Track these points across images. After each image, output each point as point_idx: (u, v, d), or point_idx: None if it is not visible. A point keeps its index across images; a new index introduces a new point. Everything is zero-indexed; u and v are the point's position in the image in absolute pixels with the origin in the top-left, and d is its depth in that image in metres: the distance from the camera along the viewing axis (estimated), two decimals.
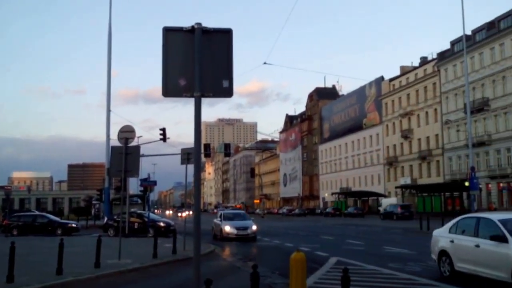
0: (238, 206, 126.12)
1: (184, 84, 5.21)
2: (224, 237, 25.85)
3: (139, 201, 46.24)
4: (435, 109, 74.53)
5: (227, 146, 52.67)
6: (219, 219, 28.07)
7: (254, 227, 26.56)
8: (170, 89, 5.22)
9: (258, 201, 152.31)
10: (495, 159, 61.77)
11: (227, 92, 5.29)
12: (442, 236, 12.96)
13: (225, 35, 5.36)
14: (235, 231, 25.81)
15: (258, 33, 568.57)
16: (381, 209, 72.50)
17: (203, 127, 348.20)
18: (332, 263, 15.51)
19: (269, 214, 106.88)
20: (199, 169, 5.40)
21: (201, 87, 5.14)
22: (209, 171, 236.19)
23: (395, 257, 17.19)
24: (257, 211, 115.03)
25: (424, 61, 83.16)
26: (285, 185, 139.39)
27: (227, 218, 27.78)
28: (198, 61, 5.17)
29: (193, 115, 5.17)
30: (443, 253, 12.64)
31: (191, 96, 5.16)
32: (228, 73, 5.29)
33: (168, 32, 5.27)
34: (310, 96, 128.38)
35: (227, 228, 26.08)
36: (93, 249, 14.62)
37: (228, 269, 15.84)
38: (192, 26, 5.25)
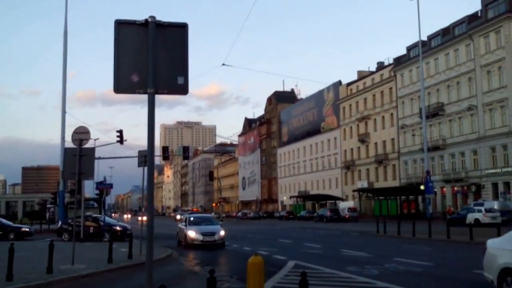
0: (195, 209, 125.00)
1: (137, 80, 4.97)
2: (189, 244, 23.65)
3: (96, 204, 45.25)
4: (392, 114, 75.86)
5: (185, 149, 52.13)
6: (183, 223, 25.77)
7: (222, 233, 24.06)
8: (122, 85, 4.99)
9: (216, 204, 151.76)
10: (450, 163, 63.27)
11: (182, 89, 5.08)
12: (506, 249, 9.36)
13: (181, 29, 5.15)
14: (200, 237, 23.30)
15: (217, 34, 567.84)
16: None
17: (162, 130, 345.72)
18: (290, 267, 15.40)
19: (228, 217, 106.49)
20: (152, 170, 5.14)
21: (155, 83, 4.92)
22: (168, 174, 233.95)
23: (353, 260, 17.21)
24: (213, 214, 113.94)
25: (380, 66, 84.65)
26: (244, 188, 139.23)
27: (193, 222, 25.15)
28: (152, 56, 4.95)
29: (147, 112, 4.93)
30: (507, 272, 9.03)
31: (144, 92, 4.93)
32: (183, 69, 5.08)
33: (120, 26, 5.02)
34: (269, 100, 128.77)
35: (192, 234, 23.58)
36: (46, 254, 14.10)
37: (185, 274, 15.52)
38: (146, 20, 5.02)
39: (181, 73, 5.07)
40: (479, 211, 41.22)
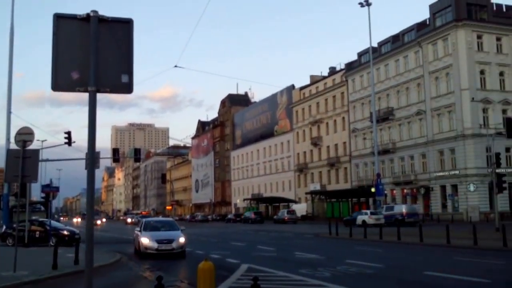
0: (145, 212, 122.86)
1: (77, 78, 4.68)
2: (142, 252, 20.53)
3: (42, 208, 43.72)
4: (343, 118, 76.89)
5: (137, 151, 51.25)
6: (138, 228, 22.41)
7: (182, 240, 20.44)
8: (61, 83, 4.68)
9: (169, 207, 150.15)
10: (399, 166, 64.62)
11: (126, 88, 4.81)
12: None
13: (125, 25, 4.88)
14: (155, 245, 19.91)
15: (170, 35, 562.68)
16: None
17: (113, 132, 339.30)
18: (243, 270, 15.18)
19: (182, 220, 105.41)
20: (92, 172, 4.84)
21: (96, 81, 4.63)
22: (119, 176, 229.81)
23: (306, 263, 17.13)
24: (160, 217, 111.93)
25: (332, 71, 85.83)
26: (197, 191, 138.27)
27: (149, 227, 21.78)
28: (94, 52, 4.66)
29: (88, 111, 4.65)
30: None
31: (85, 90, 4.64)
32: (128, 67, 4.82)
33: (60, 20, 4.72)
34: (223, 103, 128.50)
35: (145, 241, 20.22)
36: None
37: (133, 280, 15.07)
38: (88, 14, 4.73)
39: (125, 71, 4.81)
40: (366, 214, 48.14)
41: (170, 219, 27.22)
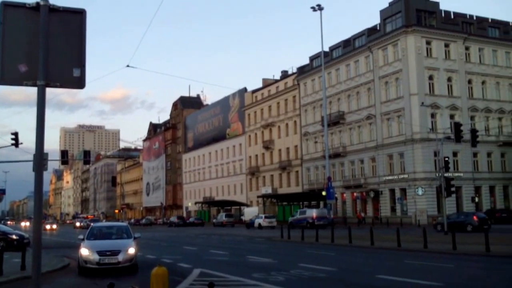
0: (90, 216, 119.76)
1: (25, 71, 4.37)
2: (81, 267, 16.36)
3: None
4: (295, 121, 77.42)
5: (86, 153, 49.86)
6: (82, 236, 17.87)
7: (132, 251, 16.25)
8: (8, 76, 4.36)
9: (119, 211, 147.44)
10: (350, 169, 65.50)
11: (78, 83, 4.53)
12: None
13: (78, 16, 4.60)
14: (96, 258, 15.82)
15: (123, 34, 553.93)
16: (243, 218, 74.48)
17: (62, 134, 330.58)
18: (196, 275, 14.97)
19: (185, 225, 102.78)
20: (41, 173, 4.53)
21: (46, 75, 4.34)
22: (68, 179, 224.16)
23: (259, 267, 17.00)
24: (110, 222, 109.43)
25: (285, 74, 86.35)
26: (148, 194, 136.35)
27: (94, 234, 17.67)
28: (43, 44, 4.36)
29: (36, 107, 4.34)
30: None
31: (34, 84, 4.33)
32: (80, 60, 4.54)
33: (8, 8, 4.40)
34: (175, 105, 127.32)
35: (85, 253, 16.17)
36: None
37: (83, 286, 14.56)
38: (37, 3, 4.42)
39: (77, 64, 4.53)
40: (261, 217, 58.64)
41: (123, 223, 22.26)
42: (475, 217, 37.27)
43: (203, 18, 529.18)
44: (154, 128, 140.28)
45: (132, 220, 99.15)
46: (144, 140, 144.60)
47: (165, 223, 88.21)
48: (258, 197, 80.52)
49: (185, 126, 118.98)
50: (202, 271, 15.78)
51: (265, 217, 58.25)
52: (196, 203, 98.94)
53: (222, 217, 71.40)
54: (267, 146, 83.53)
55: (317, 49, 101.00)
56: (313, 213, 52.28)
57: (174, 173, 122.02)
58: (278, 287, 12.40)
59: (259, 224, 56.67)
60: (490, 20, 64.99)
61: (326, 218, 50.39)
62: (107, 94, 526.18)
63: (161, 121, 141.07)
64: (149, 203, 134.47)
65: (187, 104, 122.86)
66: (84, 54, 4.59)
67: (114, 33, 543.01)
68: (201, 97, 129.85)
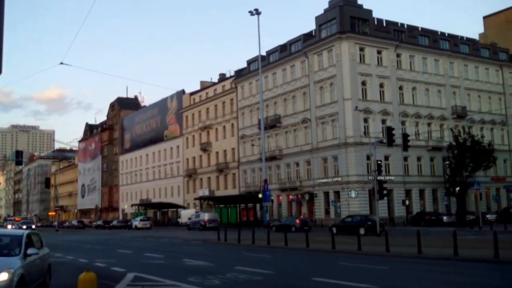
0: (18, 219, 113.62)
1: None
2: None
3: None
4: (232, 124, 76.56)
5: (19, 154, 46.70)
6: None
7: (4, 276, 9.06)
8: None
9: (53, 213, 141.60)
10: (286, 172, 65.11)
11: None
12: None
13: None
14: None
15: (58, 30, 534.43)
16: (180, 220, 73.14)
17: None
18: (129, 280, 14.17)
19: (67, 227, 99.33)
20: None
21: None
22: (0, 181, 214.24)
23: (195, 270, 16.39)
24: (54, 223, 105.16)
25: (222, 77, 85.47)
26: (83, 196, 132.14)
27: None
28: None
29: None
30: None
31: None
32: None
33: None
34: (112, 106, 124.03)
35: None
36: None
37: None
38: None
39: None
40: (136, 220, 70.37)
41: (18, 231, 14.52)
42: (297, 221, 46.73)
43: (141, 18, 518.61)
44: (90, 129, 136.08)
45: (56, 223, 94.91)
46: (80, 141, 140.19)
47: (99, 226, 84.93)
48: (195, 199, 79.23)
49: (122, 127, 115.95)
50: (136, 275, 15.05)
51: (141, 220, 70.61)
52: (132, 205, 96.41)
53: (136, 220, 72.70)
54: (205, 148, 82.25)
55: (255, 53, 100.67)
56: (205, 216, 58.20)
57: (111, 175, 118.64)
58: None
59: (135, 225, 68.73)
60: (420, 29, 66.49)
61: (216, 221, 56.63)
62: (43, 94, 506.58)
63: (98, 122, 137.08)
64: (84, 205, 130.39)
65: (125, 105, 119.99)
66: (1, 37, 4.26)
67: (51, 31, 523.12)
68: (139, 98, 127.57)
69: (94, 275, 8.03)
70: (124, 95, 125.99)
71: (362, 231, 33.65)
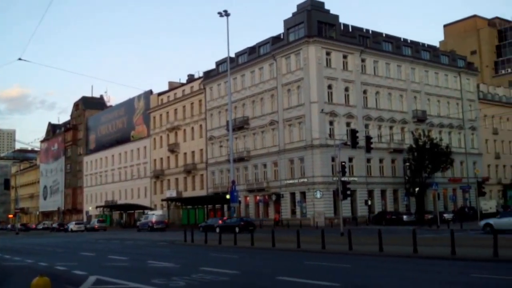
0: None
1: None
2: None
3: None
4: (201, 125, 77.29)
5: None
6: None
7: None
8: None
9: (12, 216, 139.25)
10: (253, 173, 66.38)
11: None
12: None
13: None
14: None
15: (17, 24, 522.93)
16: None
17: None
18: (91, 283, 14.08)
19: (28, 230, 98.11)
20: None
21: None
22: None
23: (160, 272, 16.38)
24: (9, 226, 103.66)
25: (191, 78, 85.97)
26: (45, 198, 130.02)
27: None
28: None
29: None
30: None
31: None
32: None
33: None
34: (76, 105, 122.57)
35: None
36: None
37: None
38: None
39: None
40: (72, 223, 75.32)
41: None
42: (220, 221, 49.93)
43: (107, 16, 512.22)
44: (53, 129, 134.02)
45: (9, 226, 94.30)
46: (42, 141, 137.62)
47: (59, 229, 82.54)
48: (162, 200, 79.47)
49: (87, 128, 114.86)
50: (99, 278, 14.81)
51: (76, 223, 75.99)
52: (97, 207, 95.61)
53: (72, 224, 76.65)
54: (173, 149, 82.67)
55: (223, 55, 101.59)
56: (153, 218, 61.70)
57: (74, 176, 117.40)
58: None
59: (71, 228, 72.30)
60: (384, 35, 68.82)
61: (164, 222, 61.16)
62: (3, 93, 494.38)
63: (62, 122, 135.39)
64: (46, 208, 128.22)
65: (90, 105, 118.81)
66: None
67: (10, 26, 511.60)
68: (105, 98, 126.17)
69: (48, 280, 7.62)
70: (89, 95, 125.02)
71: (237, 229, 40.83)
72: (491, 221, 33.66)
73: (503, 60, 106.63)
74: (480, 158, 74.59)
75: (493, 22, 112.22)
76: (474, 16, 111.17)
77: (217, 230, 43.74)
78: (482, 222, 34.71)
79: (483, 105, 77.09)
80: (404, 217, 53.32)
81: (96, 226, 72.79)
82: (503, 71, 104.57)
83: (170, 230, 57.69)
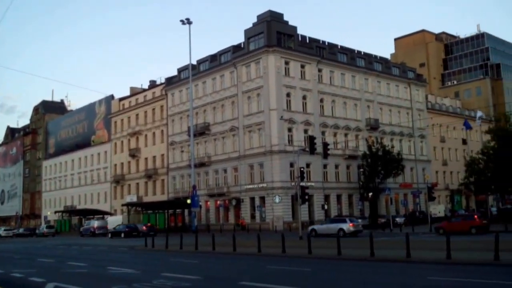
0: None
1: None
2: None
3: None
4: (162, 131, 76.54)
5: None
6: None
7: None
8: None
9: None
10: (214, 178, 66.12)
11: None
12: None
13: None
14: None
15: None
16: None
17: None
18: None
19: None
20: None
21: None
22: None
23: (120, 278, 15.84)
24: None
25: (153, 84, 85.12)
26: (2, 203, 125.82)
27: None
28: None
29: None
30: None
31: None
32: None
33: None
34: (36, 109, 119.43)
35: None
36: None
37: None
38: None
39: None
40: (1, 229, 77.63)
41: None
42: (143, 227, 54.66)
43: (69, 20, 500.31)
44: (12, 133, 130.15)
45: None
46: (0, 145, 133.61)
47: (19, 235, 79.79)
48: (122, 205, 77.93)
49: (47, 132, 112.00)
50: (57, 286, 14.22)
51: (4, 229, 78.73)
52: (56, 212, 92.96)
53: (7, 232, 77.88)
54: (134, 154, 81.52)
55: (185, 62, 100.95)
56: (95, 224, 66.55)
57: (33, 181, 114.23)
58: None
59: (40, 233, 74.47)
60: (339, 47, 69.87)
61: (105, 227, 63.41)
62: None
63: (21, 126, 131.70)
64: (3, 212, 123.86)
65: (50, 109, 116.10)
66: None
67: None
68: (65, 102, 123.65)
69: None
70: (50, 99, 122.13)
71: (122, 235, 52.61)
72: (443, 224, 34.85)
73: (449, 73, 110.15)
74: (429, 165, 76.67)
75: (440, 37, 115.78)
76: (423, 30, 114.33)
77: (109, 235, 55.70)
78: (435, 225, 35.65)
79: (431, 114, 79.44)
80: (359, 221, 54.22)
81: (45, 232, 73.42)
82: (449, 83, 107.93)
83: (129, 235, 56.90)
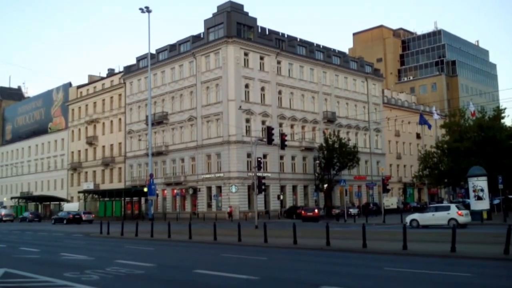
0: None
1: None
2: None
3: None
4: (120, 119, 74.47)
5: None
6: None
7: None
8: None
9: None
10: (171, 167, 64.75)
11: None
12: None
13: None
14: None
15: None
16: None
17: None
18: None
19: None
20: None
21: None
22: None
23: (73, 265, 15.10)
24: None
25: (111, 72, 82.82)
26: None
27: None
28: None
29: None
30: None
31: None
32: None
33: None
34: None
35: None
36: None
37: None
38: None
39: None
40: None
41: None
42: (71, 216, 54.83)
43: (28, 6, 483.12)
44: None
45: None
46: None
47: None
48: (79, 192, 75.89)
49: (3, 118, 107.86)
50: (7, 272, 13.51)
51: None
52: (12, 198, 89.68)
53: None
54: (91, 142, 79.11)
55: (144, 50, 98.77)
56: (2, 211, 69.22)
57: None
58: (91, 287, 11.01)
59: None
60: (298, 40, 69.41)
61: (12, 215, 68.13)
62: None
63: None
64: None
65: (7, 95, 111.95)
66: None
67: None
68: (23, 89, 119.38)
69: None
70: (6, 85, 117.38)
71: (64, 221, 53.26)
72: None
73: (405, 68, 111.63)
74: (383, 158, 77.33)
75: (397, 33, 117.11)
76: (381, 26, 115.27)
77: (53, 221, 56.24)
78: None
79: (387, 108, 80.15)
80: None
81: (3, 214, 70.74)
82: (405, 78, 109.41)
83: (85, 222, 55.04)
